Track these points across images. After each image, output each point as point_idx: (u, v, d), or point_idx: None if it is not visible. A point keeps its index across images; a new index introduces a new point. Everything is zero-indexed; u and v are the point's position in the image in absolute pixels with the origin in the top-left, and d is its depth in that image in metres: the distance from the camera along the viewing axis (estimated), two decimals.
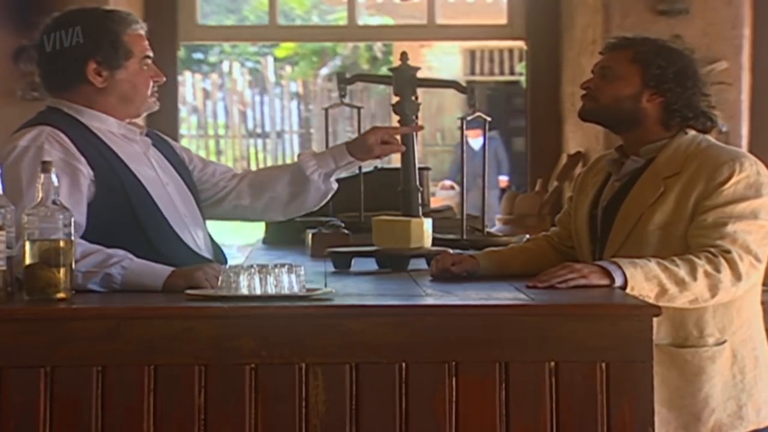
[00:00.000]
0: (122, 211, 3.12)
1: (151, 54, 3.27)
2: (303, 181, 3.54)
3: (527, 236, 4.00)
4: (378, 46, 16.52)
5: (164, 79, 3.33)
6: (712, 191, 3.12)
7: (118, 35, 3.20)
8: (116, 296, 2.87)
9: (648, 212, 3.19)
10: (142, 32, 3.26)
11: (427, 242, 3.70)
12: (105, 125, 3.22)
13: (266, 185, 3.56)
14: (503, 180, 14.15)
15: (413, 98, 4.00)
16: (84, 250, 2.93)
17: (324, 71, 16.71)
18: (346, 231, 4.12)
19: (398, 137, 3.64)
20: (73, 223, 2.73)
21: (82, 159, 3.10)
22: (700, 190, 3.14)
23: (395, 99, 4.01)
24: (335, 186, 3.60)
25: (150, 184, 3.20)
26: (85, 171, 3.09)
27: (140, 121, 3.44)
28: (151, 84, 3.26)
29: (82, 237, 3.01)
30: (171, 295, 2.84)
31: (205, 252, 3.32)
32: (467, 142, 4.36)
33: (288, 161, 15.95)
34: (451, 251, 3.49)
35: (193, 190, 3.41)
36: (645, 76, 3.23)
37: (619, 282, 2.98)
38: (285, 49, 16.77)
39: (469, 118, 4.09)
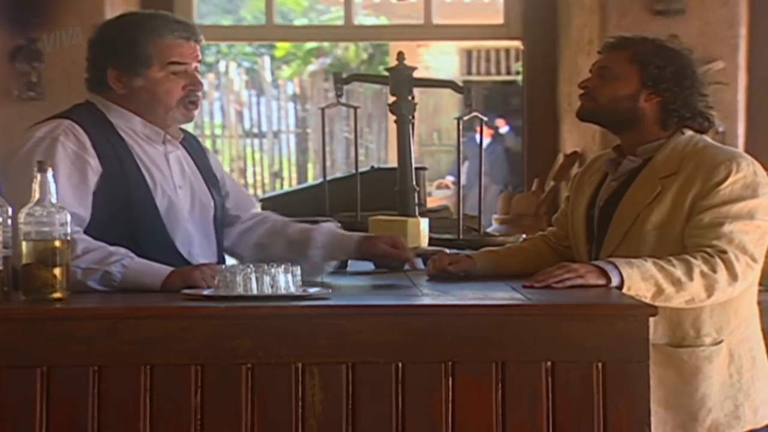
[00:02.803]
0: (119, 210, 3.13)
1: (183, 61, 3.22)
2: (302, 252, 3.38)
3: (524, 236, 4.00)
4: (365, 46, 16.49)
5: (202, 87, 3.28)
6: (709, 191, 3.12)
7: (139, 43, 3.19)
8: (113, 296, 2.87)
9: (645, 212, 3.19)
10: (182, 40, 3.22)
11: (424, 242, 3.70)
12: (130, 124, 3.23)
13: (268, 246, 3.44)
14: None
15: (410, 98, 4.00)
16: (86, 246, 2.94)
17: (311, 68, 16.70)
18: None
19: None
20: (69, 222, 2.73)
21: (94, 154, 3.12)
22: (697, 190, 3.14)
23: (392, 99, 4.01)
24: (330, 269, 3.45)
25: (158, 186, 3.21)
26: (95, 166, 3.11)
27: None
28: (183, 93, 3.23)
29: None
30: (167, 295, 2.84)
31: (200, 261, 3.28)
32: (472, 140, 4.36)
33: (284, 161, 15.93)
34: (447, 251, 3.49)
35: (216, 204, 3.38)
36: (643, 76, 3.23)
37: (615, 282, 2.98)
38: (281, 49, 16.77)
39: (465, 117, 4.09)
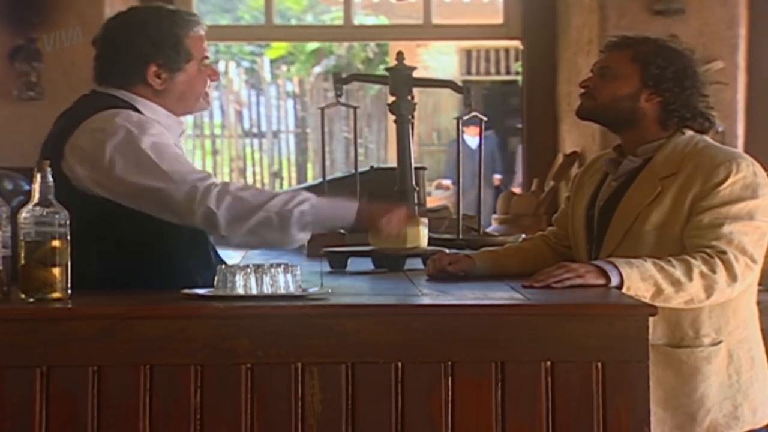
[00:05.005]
0: None
1: (209, 55, 3.26)
2: None
3: (523, 236, 4.00)
4: (371, 47, 16.49)
5: (219, 77, 3.34)
6: (709, 192, 3.12)
7: (180, 38, 3.18)
8: (113, 296, 2.87)
9: (644, 212, 3.19)
10: (203, 33, 3.24)
11: (423, 242, 3.70)
12: (155, 115, 3.17)
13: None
14: (497, 178, 14.21)
15: (409, 98, 4.00)
16: (261, 194, 2.98)
17: (317, 69, 16.70)
18: (342, 231, 4.11)
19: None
20: (67, 223, 2.73)
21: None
22: (697, 191, 3.14)
23: (391, 99, 4.01)
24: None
25: None
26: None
27: None
28: (208, 83, 3.26)
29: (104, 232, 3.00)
30: (166, 295, 2.83)
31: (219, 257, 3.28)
32: (464, 141, 4.36)
33: (284, 161, 15.93)
34: (447, 251, 3.49)
35: None
36: (644, 76, 3.23)
37: (615, 282, 2.98)
38: (276, 49, 16.74)
39: (465, 117, 4.09)
